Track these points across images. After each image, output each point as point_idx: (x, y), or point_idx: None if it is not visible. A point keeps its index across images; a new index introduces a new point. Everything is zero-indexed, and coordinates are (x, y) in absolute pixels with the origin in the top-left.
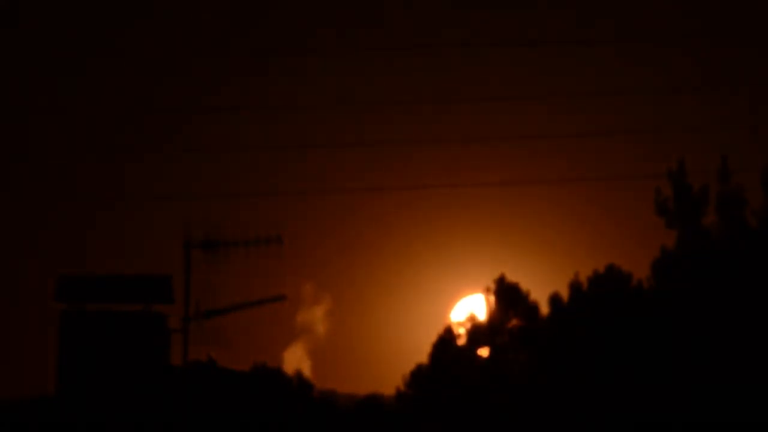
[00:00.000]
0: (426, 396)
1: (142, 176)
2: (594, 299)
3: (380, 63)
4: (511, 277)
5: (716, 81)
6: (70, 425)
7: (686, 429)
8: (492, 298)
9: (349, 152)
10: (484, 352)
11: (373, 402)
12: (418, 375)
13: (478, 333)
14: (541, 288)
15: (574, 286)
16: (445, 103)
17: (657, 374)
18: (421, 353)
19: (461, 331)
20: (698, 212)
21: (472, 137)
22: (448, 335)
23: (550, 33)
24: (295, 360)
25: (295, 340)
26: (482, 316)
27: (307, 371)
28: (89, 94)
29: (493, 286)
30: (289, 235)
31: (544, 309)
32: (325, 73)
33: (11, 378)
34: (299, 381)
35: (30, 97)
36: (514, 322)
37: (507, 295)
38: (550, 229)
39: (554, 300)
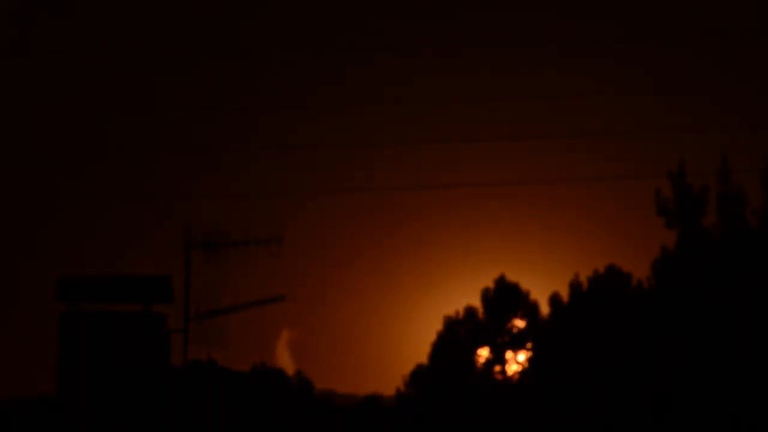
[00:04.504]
0: (426, 396)
1: (143, 176)
2: (594, 299)
3: (378, 64)
4: (511, 277)
5: (716, 82)
6: (70, 425)
7: (686, 426)
8: (492, 298)
9: (351, 153)
10: (484, 352)
11: (373, 402)
12: (418, 375)
13: (478, 333)
14: (541, 288)
15: (574, 286)
16: (446, 103)
17: (657, 373)
18: (421, 353)
19: (461, 331)
20: (698, 212)
21: (472, 137)
22: (448, 335)
23: (551, 34)
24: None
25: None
26: (482, 316)
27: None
28: (88, 95)
29: (493, 286)
30: (289, 235)
31: (544, 309)
32: (323, 74)
33: (11, 378)
34: (299, 381)
35: (28, 98)
36: (514, 322)
37: (507, 295)
38: (550, 229)
39: (554, 300)
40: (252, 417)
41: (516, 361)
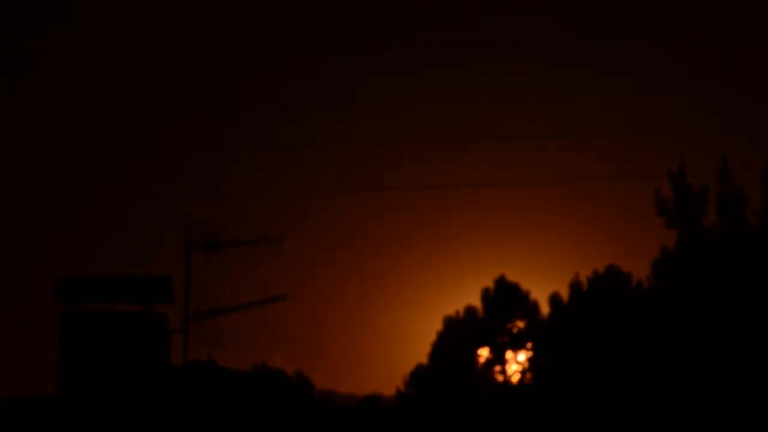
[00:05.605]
0: (426, 396)
1: (143, 176)
2: (594, 299)
3: (380, 65)
4: (511, 277)
5: (716, 83)
6: (70, 425)
7: (686, 425)
8: (492, 298)
9: (352, 153)
10: (484, 352)
11: (373, 402)
12: (418, 375)
13: (478, 333)
14: (541, 288)
15: (574, 286)
16: (447, 104)
17: (657, 373)
18: (421, 353)
19: (461, 331)
20: (698, 212)
21: (472, 138)
22: (448, 335)
23: (551, 35)
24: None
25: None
26: (482, 315)
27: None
28: (88, 95)
29: (493, 286)
30: (289, 235)
31: (544, 309)
32: (324, 76)
33: (11, 378)
34: (299, 381)
35: (28, 98)
36: (514, 322)
37: (507, 295)
38: (550, 229)
39: (554, 300)
40: (252, 417)
41: (516, 361)
